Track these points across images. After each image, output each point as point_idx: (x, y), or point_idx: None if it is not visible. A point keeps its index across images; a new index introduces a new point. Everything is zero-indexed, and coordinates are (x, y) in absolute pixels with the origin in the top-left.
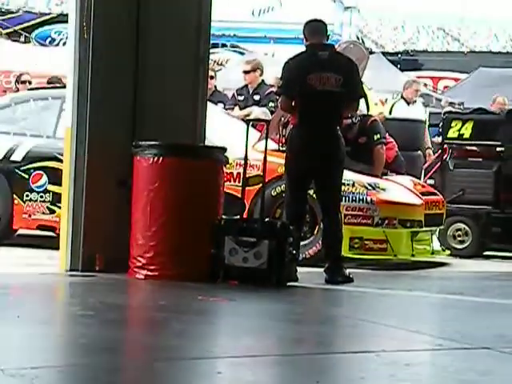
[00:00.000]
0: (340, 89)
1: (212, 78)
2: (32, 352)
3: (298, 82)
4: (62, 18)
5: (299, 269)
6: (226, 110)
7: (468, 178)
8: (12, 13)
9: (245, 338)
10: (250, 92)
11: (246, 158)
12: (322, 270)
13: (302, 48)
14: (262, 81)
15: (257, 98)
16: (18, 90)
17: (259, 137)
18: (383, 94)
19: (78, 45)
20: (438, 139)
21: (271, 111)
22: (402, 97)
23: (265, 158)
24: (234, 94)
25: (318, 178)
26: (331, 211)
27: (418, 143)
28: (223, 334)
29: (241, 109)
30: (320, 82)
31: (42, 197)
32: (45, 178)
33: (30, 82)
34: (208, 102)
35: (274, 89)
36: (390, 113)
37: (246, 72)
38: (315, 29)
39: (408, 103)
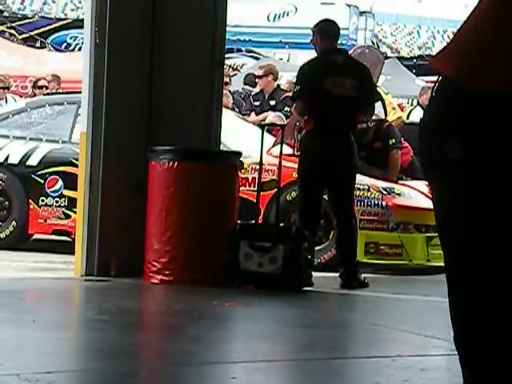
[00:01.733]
0: (355, 93)
1: (227, 83)
2: (47, 356)
3: (315, 86)
4: (77, 24)
5: (314, 274)
6: (243, 115)
7: None
8: (28, 18)
9: (260, 343)
10: (266, 97)
11: (260, 163)
12: (337, 274)
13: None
14: (278, 86)
15: (272, 103)
16: (35, 95)
17: (274, 142)
18: (398, 99)
19: (93, 50)
20: None
21: (286, 116)
22: (418, 103)
23: (280, 162)
24: (250, 100)
25: (331, 182)
26: (345, 216)
27: None
28: (238, 339)
29: (257, 114)
30: (336, 87)
31: (57, 202)
32: (60, 183)
33: (46, 87)
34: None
35: (290, 94)
36: (408, 118)
37: (259, 77)
38: (331, 33)
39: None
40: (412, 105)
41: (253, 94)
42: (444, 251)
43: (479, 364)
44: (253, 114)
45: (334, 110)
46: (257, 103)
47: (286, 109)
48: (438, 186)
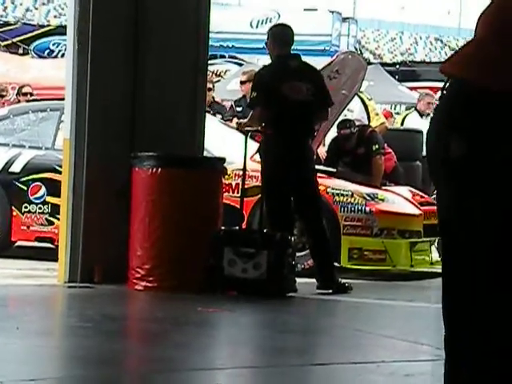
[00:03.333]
0: (311, 98)
1: (210, 89)
2: (30, 364)
3: (272, 92)
4: (60, 30)
5: (298, 280)
6: (225, 121)
7: None
8: (10, 25)
9: (244, 349)
10: None
11: (244, 169)
12: None
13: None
14: None
15: (239, 109)
16: (19, 102)
17: (258, 147)
18: (381, 104)
19: (76, 56)
20: None
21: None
22: (415, 109)
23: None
24: (232, 106)
25: (295, 188)
26: (315, 221)
27: (416, 153)
28: (222, 345)
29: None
30: (293, 91)
31: (40, 208)
32: (43, 190)
33: (31, 94)
34: (206, 113)
35: None
36: (402, 124)
37: (241, 83)
38: (285, 39)
39: (421, 115)
40: (395, 109)
41: (235, 99)
42: (448, 245)
43: (489, 356)
44: (235, 119)
45: (291, 114)
46: (239, 109)
47: None
48: (444, 182)
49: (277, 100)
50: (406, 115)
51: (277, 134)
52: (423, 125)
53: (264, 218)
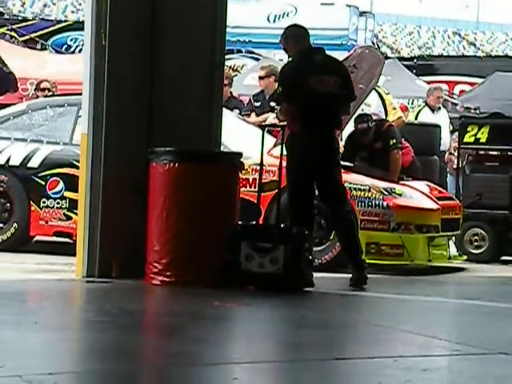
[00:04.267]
0: (338, 90)
1: (226, 85)
2: (49, 358)
3: (300, 86)
4: (77, 26)
5: (315, 274)
6: (243, 116)
7: (484, 182)
8: (28, 20)
9: (261, 343)
10: (267, 98)
11: (261, 164)
12: (338, 275)
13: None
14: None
15: (273, 103)
16: (37, 97)
17: (275, 142)
18: (399, 99)
19: (93, 52)
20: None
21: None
22: (426, 104)
23: (280, 163)
24: (250, 100)
25: (321, 182)
26: (344, 216)
27: (433, 148)
28: (239, 339)
29: (257, 115)
30: (321, 85)
31: (58, 203)
32: (61, 185)
33: (49, 90)
34: (223, 108)
35: None
36: (416, 119)
37: (260, 78)
38: (303, 35)
39: (432, 110)
40: (413, 104)
41: (253, 94)
42: None
43: None
44: (253, 114)
45: (320, 107)
46: (257, 104)
47: None
48: None
49: (304, 94)
50: (420, 111)
51: (304, 127)
52: (435, 120)
53: (281, 213)
